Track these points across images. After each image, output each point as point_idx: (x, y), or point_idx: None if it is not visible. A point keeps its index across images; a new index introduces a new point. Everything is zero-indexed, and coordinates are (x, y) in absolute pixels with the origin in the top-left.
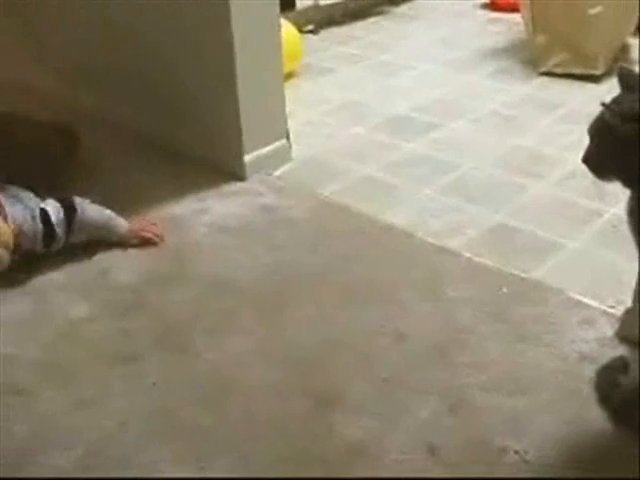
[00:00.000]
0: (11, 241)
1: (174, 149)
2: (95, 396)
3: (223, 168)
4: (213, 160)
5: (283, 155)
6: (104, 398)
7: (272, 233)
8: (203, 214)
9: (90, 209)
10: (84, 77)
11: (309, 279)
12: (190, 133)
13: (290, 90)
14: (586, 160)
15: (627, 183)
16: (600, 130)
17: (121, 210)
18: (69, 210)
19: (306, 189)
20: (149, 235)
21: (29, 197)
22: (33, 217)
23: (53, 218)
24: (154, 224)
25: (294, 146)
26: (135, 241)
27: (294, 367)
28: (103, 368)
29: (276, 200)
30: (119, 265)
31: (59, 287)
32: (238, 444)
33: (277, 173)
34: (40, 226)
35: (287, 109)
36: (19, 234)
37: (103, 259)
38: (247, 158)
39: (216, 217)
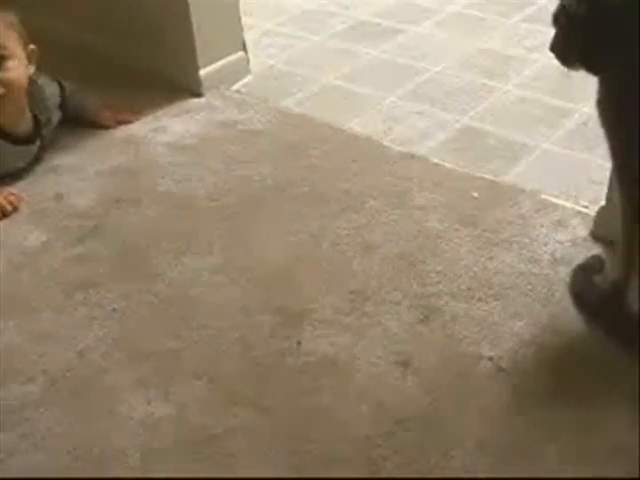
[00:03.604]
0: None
1: (128, 67)
2: (54, 326)
3: (179, 85)
4: (169, 76)
5: (240, 68)
6: (63, 327)
7: (232, 149)
8: (160, 133)
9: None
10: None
11: (272, 193)
12: (143, 49)
13: (245, 1)
14: (552, 48)
15: (591, 69)
16: (560, 15)
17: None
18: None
19: (266, 102)
20: (125, 116)
21: None
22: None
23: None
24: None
25: (252, 59)
26: (110, 121)
27: (259, 283)
28: (61, 297)
29: (235, 115)
30: (74, 189)
31: (11, 215)
32: (204, 365)
33: (235, 87)
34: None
35: (242, 21)
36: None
37: (57, 184)
38: (203, 72)
39: (173, 135)
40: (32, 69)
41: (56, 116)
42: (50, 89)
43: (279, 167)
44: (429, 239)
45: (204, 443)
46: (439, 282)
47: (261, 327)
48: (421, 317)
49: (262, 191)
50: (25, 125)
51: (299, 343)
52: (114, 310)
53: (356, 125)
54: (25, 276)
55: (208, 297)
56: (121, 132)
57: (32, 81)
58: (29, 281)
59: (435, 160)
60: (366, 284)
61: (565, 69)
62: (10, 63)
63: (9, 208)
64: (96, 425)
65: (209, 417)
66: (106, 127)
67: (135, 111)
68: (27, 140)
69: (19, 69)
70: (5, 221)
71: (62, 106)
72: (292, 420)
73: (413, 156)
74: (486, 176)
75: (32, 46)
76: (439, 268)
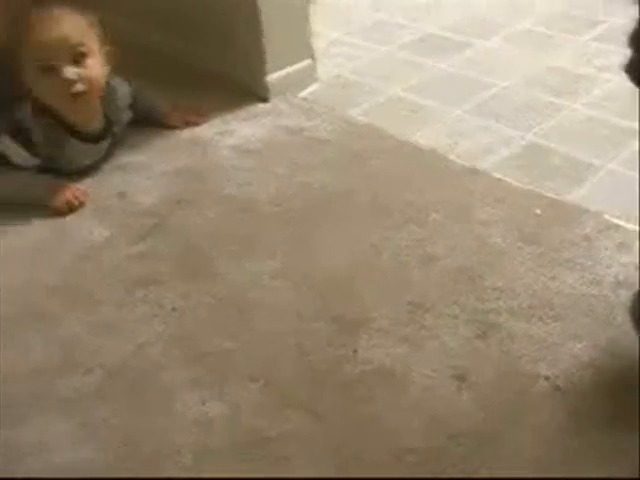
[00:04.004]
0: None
1: (196, 69)
2: (114, 320)
3: (247, 89)
4: (237, 80)
5: (308, 75)
6: (123, 322)
7: (297, 155)
8: (226, 136)
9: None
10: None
11: (335, 200)
12: (213, 52)
13: (315, 9)
14: (627, 70)
15: None
16: (637, 37)
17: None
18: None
19: (332, 110)
20: (193, 118)
21: None
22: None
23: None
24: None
25: (319, 67)
26: (178, 122)
27: (318, 290)
28: (122, 292)
29: (301, 121)
30: (139, 187)
31: (77, 211)
32: (259, 369)
33: (302, 94)
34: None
35: (312, 28)
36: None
37: (123, 182)
38: (271, 78)
39: (239, 139)
40: (107, 70)
41: (126, 116)
42: (122, 89)
43: (343, 175)
44: (490, 255)
45: (256, 445)
46: (498, 298)
47: (318, 333)
48: (479, 332)
49: (325, 198)
50: (97, 124)
51: (355, 352)
52: (173, 309)
53: (421, 137)
54: (88, 270)
55: (266, 301)
56: (188, 133)
57: (105, 81)
58: (92, 275)
59: (499, 176)
60: (425, 296)
61: (638, 90)
62: (90, 61)
63: (76, 203)
64: (150, 420)
65: (262, 419)
66: (173, 128)
67: (202, 113)
68: (97, 139)
69: (98, 68)
70: (71, 216)
71: (132, 106)
72: (344, 428)
73: (477, 171)
74: (549, 194)
75: (108, 47)
76: (499, 284)
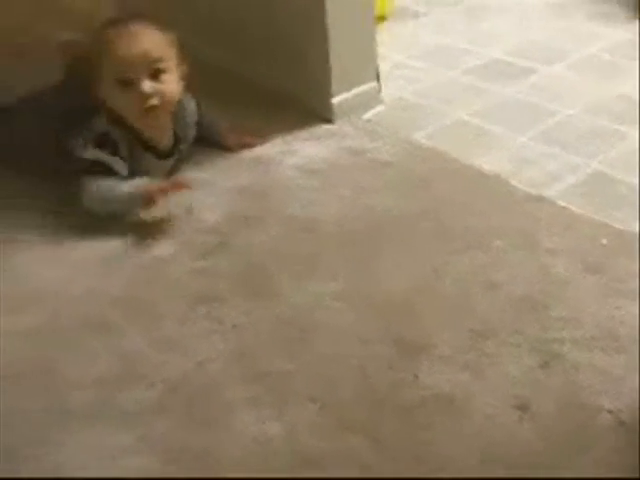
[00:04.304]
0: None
1: (263, 89)
2: (176, 335)
3: (311, 110)
4: (301, 101)
5: (373, 98)
6: (184, 338)
7: (360, 177)
8: (290, 155)
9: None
10: (172, 14)
11: (398, 223)
12: (279, 72)
13: (381, 33)
14: None
15: None
16: None
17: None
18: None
19: (396, 132)
20: (249, 139)
21: None
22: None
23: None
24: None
25: (384, 89)
26: (233, 145)
27: (379, 313)
28: (185, 308)
29: (365, 143)
30: (204, 204)
31: (144, 225)
32: (318, 390)
33: (366, 116)
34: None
35: (378, 51)
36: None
37: (188, 198)
38: (336, 100)
39: (303, 159)
40: (181, 87)
41: (192, 133)
42: (190, 107)
43: (406, 199)
44: (554, 283)
45: (313, 466)
46: (562, 328)
47: (378, 357)
48: (541, 362)
49: (387, 221)
50: (167, 140)
51: (416, 377)
52: (234, 326)
53: (485, 162)
54: (152, 283)
55: (327, 322)
56: (252, 153)
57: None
58: (155, 289)
59: (564, 204)
60: (486, 323)
61: None
62: (167, 77)
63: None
64: (209, 437)
65: (320, 441)
66: (229, 150)
67: (260, 135)
68: (166, 155)
69: (173, 84)
70: (138, 229)
71: (198, 123)
72: (402, 453)
73: (542, 198)
74: (616, 224)
75: (184, 66)
76: (563, 314)
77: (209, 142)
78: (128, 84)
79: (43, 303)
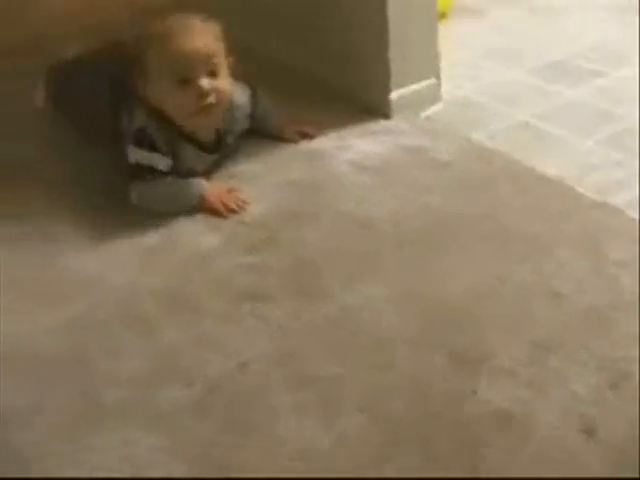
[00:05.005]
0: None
1: (320, 82)
2: (217, 333)
3: (368, 105)
4: (358, 96)
5: (432, 95)
6: (227, 336)
7: (417, 175)
8: (344, 151)
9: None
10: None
11: (456, 225)
12: (337, 67)
13: (443, 31)
14: None
15: None
16: None
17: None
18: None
19: (455, 131)
20: (309, 130)
21: None
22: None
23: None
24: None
25: (444, 87)
26: (293, 136)
27: (436, 320)
28: (228, 305)
29: (423, 141)
30: (252, 198)
31: (189, 217)
32: (368, 398)
33: (424, 113)
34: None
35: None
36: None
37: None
38: (394, 95)
39: (358, 155)
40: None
41: (243, 125)
42: (242, 99)
43: (465, 200)
44: (622, 296)
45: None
46: (632, 345)
47: (434, 367)
48: (610, 382)
49: (445, 222)
50: (210, 133)
51: (474, 392)
52: (280, 326)
53: (548, 166)
54: (195, 278)
55: (380, 327)
56: (304, 146)
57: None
58: (198, 284)
59: (632, 213)
60: (550, 336)
61: None
62: (221, 72)
63: (235, 208)
64: (250, 443)
65: (369, 454)
66: (288, 141)
67: (320, 126)
68: (211, 149)
69: (227, 80)
70: (182, 221)
71: (250, 116)
72: (455, 472)
73: (608, 206)
74: None
75: (230, 57)
76: (632, 330)
77: (263, 134)
78: (185, 82)
79: (82, 295)
